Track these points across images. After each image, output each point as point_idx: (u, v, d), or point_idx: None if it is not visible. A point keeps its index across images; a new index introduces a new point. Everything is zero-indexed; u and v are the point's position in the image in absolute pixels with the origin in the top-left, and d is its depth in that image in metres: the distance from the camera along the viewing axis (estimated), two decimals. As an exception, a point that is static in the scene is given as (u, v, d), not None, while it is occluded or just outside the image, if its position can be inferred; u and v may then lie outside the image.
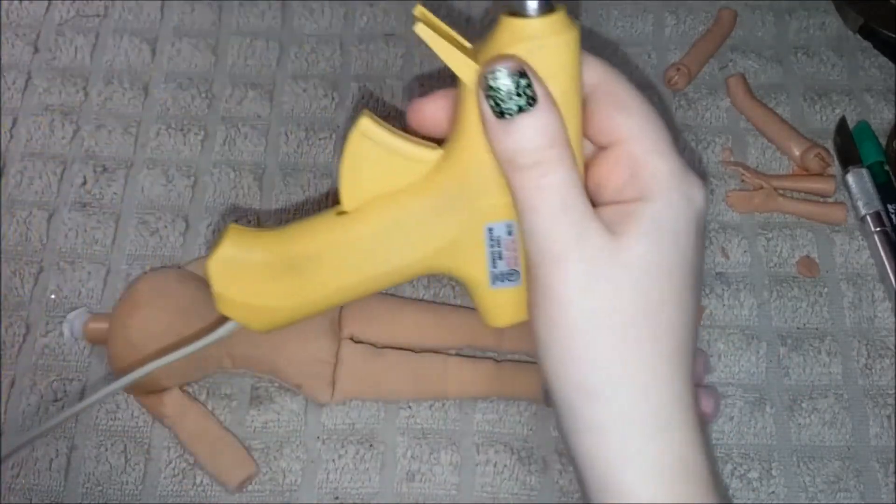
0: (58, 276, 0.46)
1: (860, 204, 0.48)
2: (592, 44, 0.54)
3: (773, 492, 0.41)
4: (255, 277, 0.29)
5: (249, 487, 0.41)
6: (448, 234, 0.28)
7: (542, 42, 0.25)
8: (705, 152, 0.50)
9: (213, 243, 0.29)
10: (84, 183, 0.49)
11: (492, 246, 0.29)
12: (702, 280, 0.30)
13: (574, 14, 0.54)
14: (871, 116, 0.51)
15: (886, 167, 0.49)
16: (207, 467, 0.41)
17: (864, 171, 0.48)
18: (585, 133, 0.28)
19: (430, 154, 0.28)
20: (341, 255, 0.29)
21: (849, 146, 0.50)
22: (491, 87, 0.25)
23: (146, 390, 0.42)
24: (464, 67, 0.26)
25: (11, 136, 0.50)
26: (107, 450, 0.42)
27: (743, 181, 0.49)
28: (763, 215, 0.49)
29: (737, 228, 0.48)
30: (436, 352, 0.43)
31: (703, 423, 0.27)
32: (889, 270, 0.46)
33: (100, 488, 0.41)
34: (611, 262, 0.25)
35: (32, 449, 0.42)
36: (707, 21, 0.54)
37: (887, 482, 0.42)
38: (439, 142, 0.29)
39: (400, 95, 0.52)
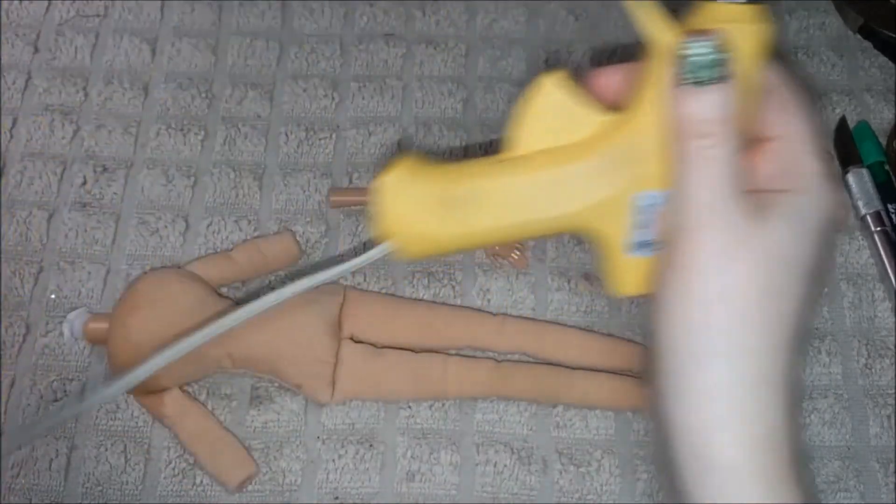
0: (58, 276, 0.46)
1: (860, 204, 0.48)
2: (592, 43, 0.54)
3: (773, 492, 0.41)
4: (417, 204, 0.31)
5: (249, 487, 0.41)
6: (602, 193, 0.30)
7: (739, 26, 0.27)
8: (705, 152, 0.50)
9: (386, 167, 0.31)
10: (84, 183, 0.49)
11: (640, 213, 0.30)
12: (823, 281, 0.31)
13: (573, 14, 0.54)
14: (871, 116, 0.51)
15: (886, 167, 0.49)
16: (207, 467, 0.41)
17: (865, 171, 0.48)
18: (751, 124, 0.29)
19: (604, 117, 0.30)
20: (502, 195, 0.31)
21: (849, 146, 0.50)
22: (688, 54, 0.27)
23: (146, 390, 0.42)
24: (663, 34, 0.28)
25: (11, 136, 0.50)
26: (107, 450, 0.42)
27: (743, 181, 0.49)
28: (763, 215, 0.48)
29: (737, 228, 0.48)
30: (436, 352, 0.43)
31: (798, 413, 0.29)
32: (889, 270, 0.46)
33: (100, 488, 0.41)
34: (751, 242, 0.27)
35: (32, 449, 0.42)
36: (707, 21, 0.54)
37: (887, 482, 0.42)
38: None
39: (400, 95, 0.52)
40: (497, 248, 0.46)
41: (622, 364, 0.43)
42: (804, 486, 0.27)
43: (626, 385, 0.43)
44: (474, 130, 0.51)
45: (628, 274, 0.31)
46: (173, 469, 0.41)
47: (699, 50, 0.27)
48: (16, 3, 0.54)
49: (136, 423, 0.42)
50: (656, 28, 0.28)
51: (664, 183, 0.29)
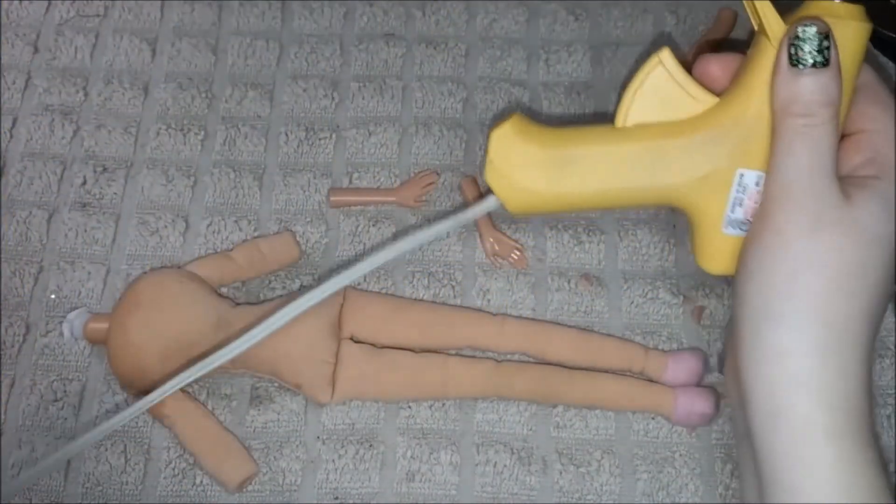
0: (58, 276, 0.46)
1: (860, 204, 0.48)
2: (592, 43, 0.54)
3: (773, 492, 0.41)
4: (526, 160, 0.33)
5: (249, 487, 0.41)
6: (704, 168, 0.32)
7: (844, 22, 0.30)
8: (705, 152, 0.50)
9: (496, 121, 0.34)
10: (84, 183, 0.49)
11: (738, 191, 0.32)
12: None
13: (574, 14, 0.54)
14: (872, 116, 0.51)
15: (886, 167, 0.49)
16: (207, 467, 0.41)
17: (865, 171, 0.48)
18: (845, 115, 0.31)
19: (709, 98, 0.32)
20: (607, 160, 0.33)
21: (849, 146, 0.50)
22: (798, 37, 0.30)
23: (146, 390, 0.42)
24: (774, 21, 0.30)
25: (11, 136, 0.50)
26: (107, 450, 0.42)
27: (743, 181, 0.49)
28: (763, 215, 0.48)
29: (737, 228, 0.48)
30: (436, 352, 0.43)
31: (872, 371, 0.30)
32: (889, 270, 0.46)
33: (100, 488, 0.41)
34: (839, 218, 0.29)
35: (32, 449, 0.42)
36: (707, 21, 0.55)
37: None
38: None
39: (400, 95, 0.52)
40: (497, 247, 0.46)
41: (622, 364, 0.43)
42: (876, 450, 0.29)
43: (626, 385, 0.43)
44: (474, 130, 0.51)
45: (720, 251, 0.32)
46: (173, 469, 0.41)
47: (808, 34, 0.30)
48: (16, 3, 0.54)
49: (136, 423, 0.42)
50: (768, 19, 0.30)
51: (765, 165, 0.30)
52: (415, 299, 0.45)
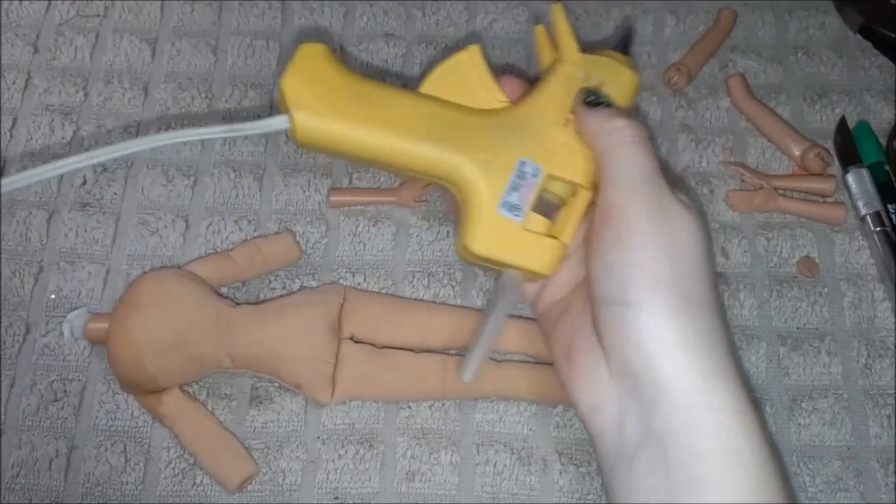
0: (58, 276, 0.46)
1: (860, 204, 0.48)
2: (592, 44, 0.54)
3: (773, 492, 0.41)
4: (332, 85, 0.34)
5: (249, 487, 0.41)
6: (491, 146, 0.35)
7: (620, 68, 0.37)
8: (705, 152, 0.50)
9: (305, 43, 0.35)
10: (84, 183, 0.49)
11: (517, 176, 0.35)
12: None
13: (574, 14, 0.54)
14: (871, 116, 0.51)
15: (886, 167, 0.49)
16: (207, 467, 0.41)
17: (864, 171, 0.48)
18: None
19: (503, 99, 0.36)
20: (409, 112, 0.35)
21: (849, 146, 0.50)
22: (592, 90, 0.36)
23: (146, 390, 0.42)
24: (569, 44, 0.37)
25: (11, 136, 0.50)
26: (107, 450, 0.42)
27: (743, 181, 0.49)
28: (763, 215, 0.49)
29: (737, 228, 0.48)
30: (435, 352, 0.43)
31: (726, 321, 0.34)
32: (889, 270, 0.46)
33: (100, 488, 0.41)
34: (675, 207, 0.33)
35: (32, 449, 0.42)
36: (707, 21, 0.55)
37: (887, 482, 0.42)
38: None
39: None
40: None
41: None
42: (740, 378, 0.32)
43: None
44: (474, 130, 0.51)
45: (490, 231, 0.35)
46: (173, 469, 0.41)
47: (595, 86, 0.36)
48: (16, 3, 0.54)
49: (136, 423, 0.43)
50: (566, 42, 0.37)
51: (544, 160, 0.35)
52: (415, 299, 0.45)
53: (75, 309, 0.44)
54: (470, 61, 0.36)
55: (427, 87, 0.36)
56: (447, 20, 0.54)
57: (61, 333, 0.44)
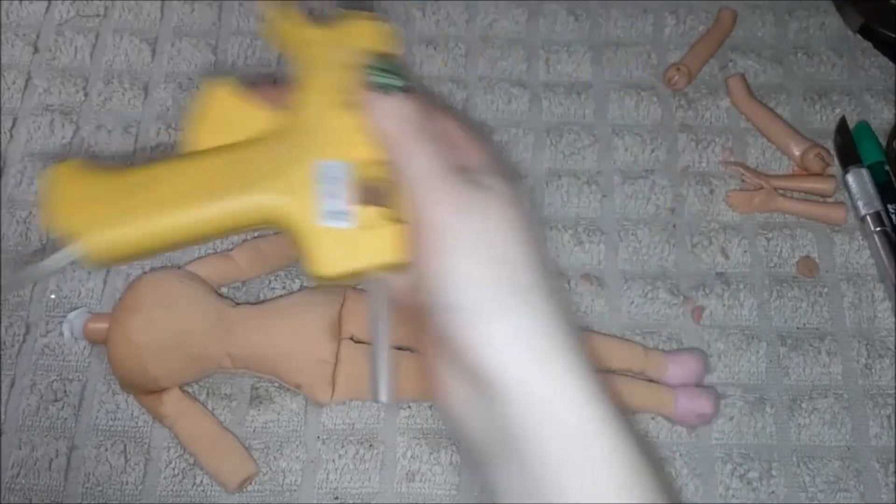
0: (58, 276, 0.46)
1: (860, 204, 0.48)
2: (592, 43, 0.54)
3: (773, 491, 0.41)
4: (94, 192, 0.31)
5: (249, 487, 0.41)
6: (279, 166, 0.32)
7: (365, 24, 0.34)
8: (705, 152, 0.50)
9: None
10: (84, 183, 0.48)
11: (325, 182, 0.32)
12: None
13: (575, 14, 0.54)
14: (871, 116, 0.51)
15: (886, 167, 0.49)
16: (207, 467, 0.41)
17: (864, 171, 0.48)
18: None
19: (272, 113, 0.33)
20: (183, 179, 0.32)
21: (849, 146, 0.50)
22: (375, 73, 0.33)
23: (146, 390, 0.42)
24: (311, 37, 0.34)
25: (11, 136, 0.50)
26: (107, 450, 0.42)
27: (743, 181, 0.49)
28: (763, 215, 0.49)
29: (737, 228, 0.48)
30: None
31: (566, 303, 0.32)
32: (889, 270, 0.46)
33: (100, 488, 0.41)
34: (476, 199, 0.31)
35: (33, 449, 0.42)
36: (707, 21, 0.55)
37: (887, 482, 0.42)
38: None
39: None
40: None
41: (622, 364, 0.43)
42: (586, 364, 0.30)
43: (626, 385, 0.43)
44: (475, 131, 0.51)
45: (326, 248, 0.32)
46: (173, 469, 0.41)
47: (381, 71, 0.33)
48: (16, 3, 0.54)
49: (136, 423, 0.42)
50: (307, 35, 0.34)
51: (345, 155, 0.32)
52: (415, 299, 0.45)
53: (75, 309, 0.44)
54: (216, 98, 0.33)
55: (191, 143, 0.33)
56: (447, 20, 0.54)
57: (61, 333, 0.44)
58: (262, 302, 0.45)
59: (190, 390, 0.43)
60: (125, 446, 0.42)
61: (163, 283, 0.43)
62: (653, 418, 0.43)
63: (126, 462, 0.42)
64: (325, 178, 0.32)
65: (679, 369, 0.43)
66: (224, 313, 0.42)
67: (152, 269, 0.46)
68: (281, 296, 0.45)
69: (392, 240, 0.33)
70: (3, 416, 0.42)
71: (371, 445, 0.42)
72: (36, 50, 0.53)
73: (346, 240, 0.32)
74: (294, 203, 0.31)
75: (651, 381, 0.43)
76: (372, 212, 0.33)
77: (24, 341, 0.44)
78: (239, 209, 0.32)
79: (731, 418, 0.43)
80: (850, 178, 0.49)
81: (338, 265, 0.32)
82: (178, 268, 0.45)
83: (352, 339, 0.43)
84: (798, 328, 0.46)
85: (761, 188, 0.48)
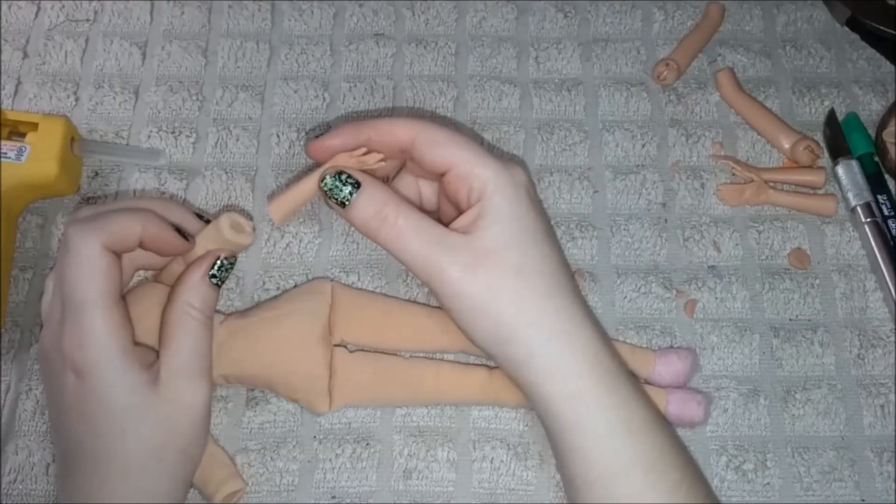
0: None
1: (850, 195, 0.48)
2: (581, 40, 0.54)
3: (768, 483, 0.42)
4: None
5: (248, 488, 0.41)
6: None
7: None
8: (695, 146, 0.50)
9: None
10: (77, 188, 0.48)
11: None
12: (551, 225, 0.45)
13: (564, 11, 0.55)
14: (860, 108, 0.52)
15: (876, 158, 0.49)
16: (195, 479, 0.40)
17: (854, 163, 0.49)
18: (423, 170, 0.40)
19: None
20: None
21: (838, 138, 0.50)
22: (326, 189, 0.39)
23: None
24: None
25: (2, 142, 0.50)
26: (103, 453, 0.42)
27: (733, 174, 0.49)
28: (754, 208, 0.49)
29: (728, 222, 0.48)
30: (429, 357, 0.43)
31: (600, 326, 0.39)
32: (880, 260, 0.46)
33: (97, 492, 0.41)
34: (476, 251, 0.36)
35: (29, 454, 0.42)
36: (695, 16, 0.55)
37: (881, 472, 0.42)
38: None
39: (391, 94, 0.52)
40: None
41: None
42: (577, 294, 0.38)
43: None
44: (466, 129, 0.51)
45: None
46: (170, 471, 0.41)
47: (328, 181, 0.39)
48: (5, 8, 0.54)
49: (133, 426, 0.42)
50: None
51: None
52: (408, 300, 0.45)
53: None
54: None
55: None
56: (437, 19, 0.55)
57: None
58: (250, 309, 0.43)
59: (186, 393, 0.43)
60: (122, 450, 0.42)
61: (152, 295, 0.41)
62: (648, 412, 0.43)
63: (123, 465, 0.41)
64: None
65: (667, 368, 0.43)
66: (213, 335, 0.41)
67: (140, 282, 0.45)
68: (268, 300, 0.44)
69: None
70: (1, 420, 0.43)
71: (368, 444, 0.42)
72: (25, 55, 0.53)
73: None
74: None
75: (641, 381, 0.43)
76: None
77: (19, 346, 0.44)
78: None
79: (726, 410, 0.43)
80: (840, 170, 0.49)
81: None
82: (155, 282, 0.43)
83: (343, 342, 0.43)
84: (790, 320, 0.46)
85: (752, 181, 0.48)
